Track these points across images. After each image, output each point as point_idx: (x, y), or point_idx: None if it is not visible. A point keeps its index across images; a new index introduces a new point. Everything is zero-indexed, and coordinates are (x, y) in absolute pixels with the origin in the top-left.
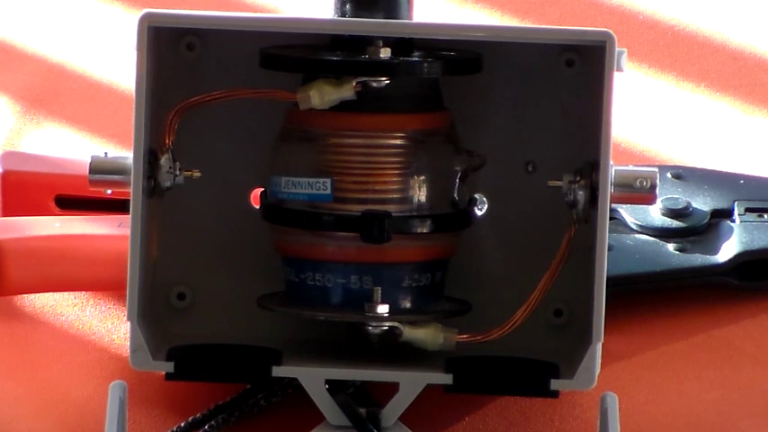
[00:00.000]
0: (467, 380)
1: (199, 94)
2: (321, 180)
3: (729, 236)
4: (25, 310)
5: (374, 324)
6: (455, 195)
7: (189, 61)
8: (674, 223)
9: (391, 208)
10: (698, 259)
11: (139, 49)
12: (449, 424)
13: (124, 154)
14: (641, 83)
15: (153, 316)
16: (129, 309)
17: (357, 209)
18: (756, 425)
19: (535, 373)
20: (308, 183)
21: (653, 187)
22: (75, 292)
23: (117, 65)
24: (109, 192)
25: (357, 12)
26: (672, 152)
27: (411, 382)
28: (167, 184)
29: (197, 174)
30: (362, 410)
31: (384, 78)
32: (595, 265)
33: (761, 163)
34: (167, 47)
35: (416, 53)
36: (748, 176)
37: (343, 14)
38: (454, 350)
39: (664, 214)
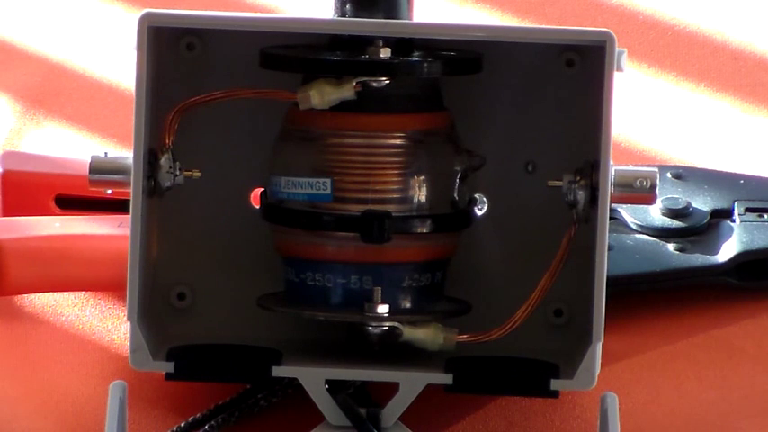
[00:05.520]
0: (467, 380)
1: (199, 94)
2: (321, 180)
3: (729, 236)
4: (25, 310)
5: (374, 324)
6: (455, 195)
7: (189, 61)
8: (674, 223)
9: (391, 208)
10: (698, 259)
11: (139, 49)
12: (449, 424)
13: (124, 154)
14: (641, 83)
15: (153, 316)
16: (129, 309)
17: (357, 209)
18: (756, 425)
19: (535, 373)
20: (308, 183)
21: (653, 187)
22: (75, 292)
23: (117, 65)
24: (109, 192)
25: (357, 12)
26: (672, 152)
27: (411, 382)
28: (167, 184)
29: (197, 174)
30: (362, 410)
31: (384, 78)
32: (595, 265)
33: (761, 163)
34: (167, 47)
35: (416, 53)
36: (748, 176)
37: (343, 14)
38: (454, 350)
39: (664, 214)
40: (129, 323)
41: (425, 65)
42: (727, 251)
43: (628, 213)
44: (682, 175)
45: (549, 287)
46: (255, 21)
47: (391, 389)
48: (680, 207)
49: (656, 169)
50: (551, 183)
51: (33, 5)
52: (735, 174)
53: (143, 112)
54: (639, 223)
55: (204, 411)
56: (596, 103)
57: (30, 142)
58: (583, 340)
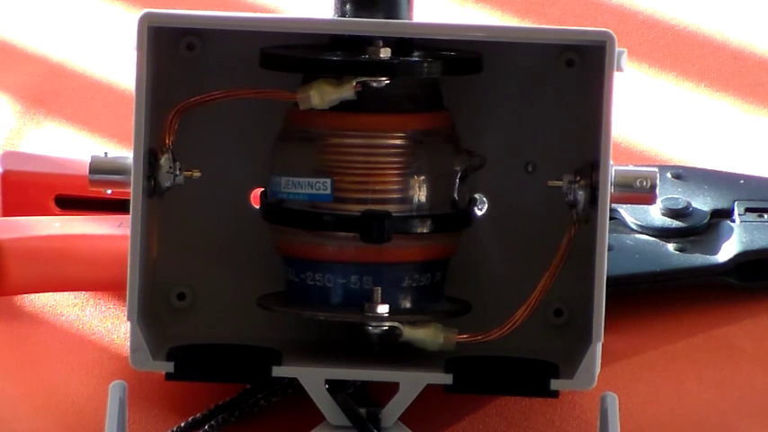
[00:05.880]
0: (467, 380)
1: (199, 94)
2: (321, 180)
3: (729, 236)
4: (25, 310)
5: (374, 324)
6: (455, 195)
7: (189, 61)
8: (674, 223)
9: (391, 208)
10: (698, 259)
11: (139, 49)
12: (449, 424)
13: (124, 154)
14: (641, 83)
15: (153, 316)
16: (129, 309)
17: (357, 209)
18: (756, 425)
19: (535, 373)
20: (308, 183)
21: (653, 187)
22: (75, 292)
23: (117, 65)
24: (109, 192)
25: (357, 12)
26: (672, 152)
27: (411, 382)
28: (167, 184)
29: (197, 174)
30: (362, 410)
31: (384, 78)
32: (595, 265)
33: (761, 163)
34: (167, 47)
35: (416, 53)
36: (748, 176)
37: (343, 14)
38: (454, 350)
39: (664, 214)
40: (129, 323)
41: (425, 65)
42: (727, 251)
43: (628, 213)
44: (682, 175)
45: (549, 287)
46: (255, 21)
47: (391, 389)
48: (680, 207)
49: (656, 169)
50: (551, 183)
51: (33, 5)
52: (735, 174)
53: (143, 112)
54: (639, 223)
55: (204, 411)
56: (596, 103)
57: (30, 142)
58: (583, 340)
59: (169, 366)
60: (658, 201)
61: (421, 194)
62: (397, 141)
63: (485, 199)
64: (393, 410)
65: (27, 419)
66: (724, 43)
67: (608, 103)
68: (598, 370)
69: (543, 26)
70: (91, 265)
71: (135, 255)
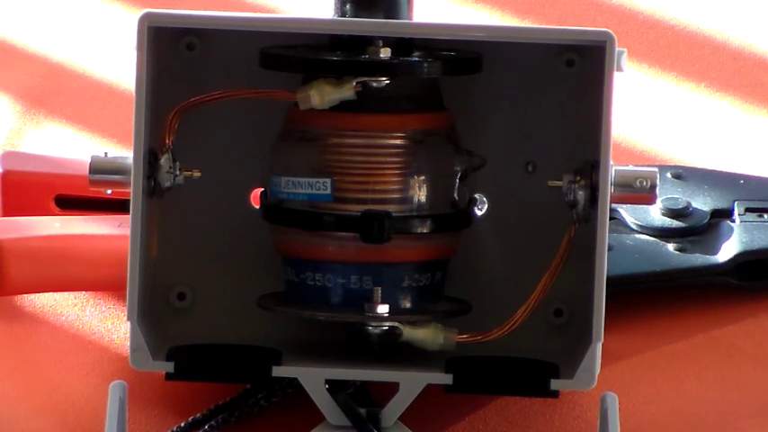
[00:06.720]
0: (467, 380)
1: (199, 94)
2: (321, 180)
3: (729, 236)
4: (25, 310)
5: (374, 324)
6: (455, 195)
7: (189, 61)
8: (674, 223)
9: (391, 208)
10: (698, 259)
11: (139, 48)
12: (449, 424)
13: (124, 154)
14: (641, 83)
15: (153, 316)
16: (129, 309)
17: (357, 209)
18: (756, 425)
19: (535, 373)
20: (308, 183)
21: (653, 187)
22: (75, 292)
23: (117, 65)
24: (109, 192)
25: (357, 12)
26: (672, 152)
27: (411, 382)
28: (167, 184)
29: (197, 174)
30: (362, 410)
31: (384, 78)
32: (595, 265)
33: (761, 163)
34: (167, 47)
35: (416, 53)
36: (748, 176)
37: (343, 14)
38: (454, 350)
39: (664, 214)
40: (129, 323)
41: (425, 65)
42: (727, 251)
43: (628, 213)
44: (682, 175)
45: (549, 287)
46: (255, 21)
47: (391, 389)
48: (680, 207)
49: (656, 169)
50: (551, 183)
51: (33, 5)
52: (735, 174)
53: (143, 112)
54: (639, 223)
55: (204, 411)
56: (596, 103)
57: (30, 142)
58: (583, 340)
59: (169, 366)
60: (658, 201)
61: (421, 194)
62: (397, 141)
63: (485, 199)
64: (393, 410)
65: (27, 419)
66: (724, 43)
67: (608, 103)
68: (598, 370)
69: (543, 26)
70: (91, 265)
71: (135, 255)
